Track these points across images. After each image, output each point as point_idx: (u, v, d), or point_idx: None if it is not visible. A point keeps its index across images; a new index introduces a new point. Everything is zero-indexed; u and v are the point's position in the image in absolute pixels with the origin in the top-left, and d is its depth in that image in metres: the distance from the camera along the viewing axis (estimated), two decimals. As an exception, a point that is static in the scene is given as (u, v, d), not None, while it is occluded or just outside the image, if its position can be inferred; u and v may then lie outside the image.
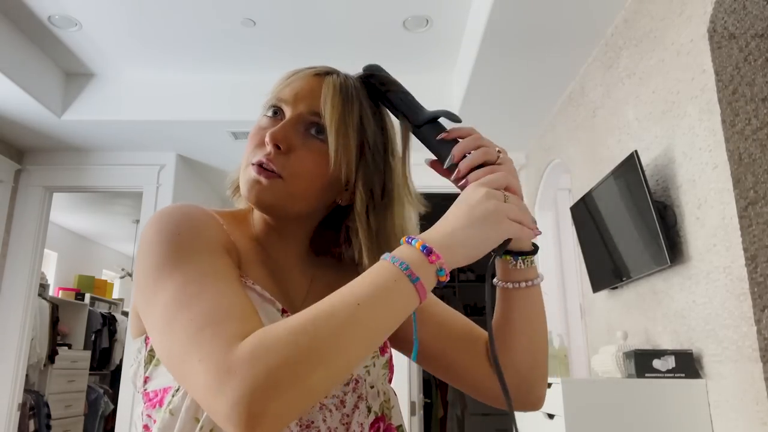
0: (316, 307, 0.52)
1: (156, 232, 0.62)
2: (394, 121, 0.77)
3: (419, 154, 0.75)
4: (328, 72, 0.73)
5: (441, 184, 0.88)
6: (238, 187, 0.78)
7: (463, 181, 0.65)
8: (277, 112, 0.72)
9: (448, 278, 0.58)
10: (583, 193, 2.72)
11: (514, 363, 0.73)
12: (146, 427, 0.65)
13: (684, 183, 2.00)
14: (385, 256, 0.57)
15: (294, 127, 0.69)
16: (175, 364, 0.53)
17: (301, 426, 0.64)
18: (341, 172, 0.69)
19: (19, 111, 3.47)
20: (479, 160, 0.65)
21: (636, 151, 2.15)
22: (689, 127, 1.96)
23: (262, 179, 0.67)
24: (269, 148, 0.68)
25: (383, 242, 0.71)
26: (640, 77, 2.31)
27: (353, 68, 0.78)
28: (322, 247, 0.80)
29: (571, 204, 2.95)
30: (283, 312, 0.67)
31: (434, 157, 0.70)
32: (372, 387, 0.71)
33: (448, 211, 0.62)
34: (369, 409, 0.69)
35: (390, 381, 0.77)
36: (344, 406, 0.67)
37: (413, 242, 0.58)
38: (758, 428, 1.62)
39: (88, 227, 6.69)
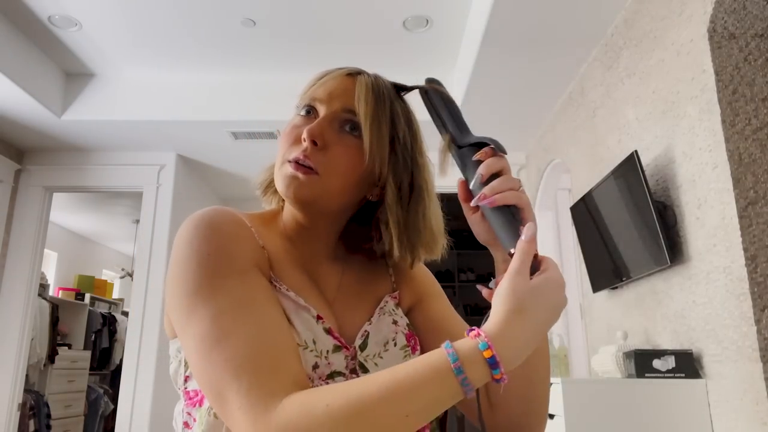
0: (363, 393, 0.52)
1: (187, 252, 0.63)
2: (420, 121, 0.79)
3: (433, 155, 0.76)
4: (359, 72, 0.76)
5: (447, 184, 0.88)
6: (267, 187, 0.81)
7: (485, 201, 0.63)
8: (310, 111, 0.74)
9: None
10: (583, 193, 2.72)
11: (506, 406, 0.72)
12: (186, 424, 0.68)
13: (684, 183, 2.00)
14: (450, 354, 0.53)
15: (330, 123, 0.71)
16: (212, 397, 0.56)
17: None
18: (375, 166, 0.72)
19: (19, 111, 3.47)
20: (503, 188, 0.63)
21: (636, 151, 2.15)
22: (689, 127, 1.96)
23: (300, 175, 0.68)
24: (306, 144, 0.69)
25: (412, 234, 0.73)
26: (640, 77, 2.31)
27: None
28: (352, 243, 0.82)
29: (571, 204, 2.95)
30: (318, 318, 0.67)
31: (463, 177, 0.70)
32: None
33: (528, 302, 0.56)
34: None
35: None
36: None
37: (494, 367, 0.53)
38: (758, 428, 1.62)
39: (88, 227, 6.69)
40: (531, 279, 0.58)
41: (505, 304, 0.56)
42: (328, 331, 0.67)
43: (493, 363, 0.53)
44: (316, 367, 0.64)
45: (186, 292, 0.60)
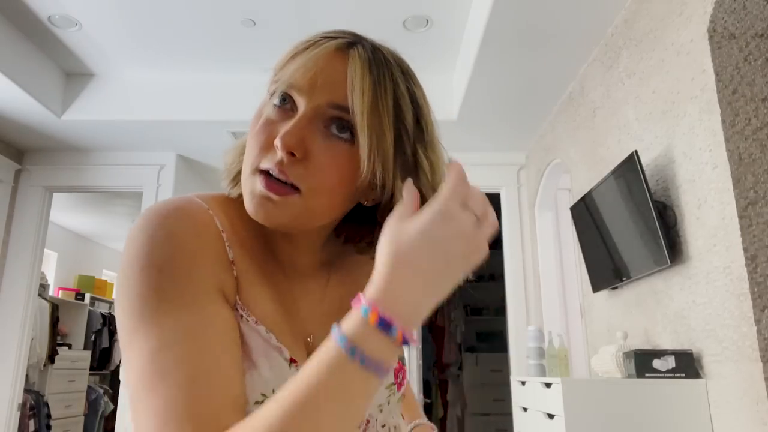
0: (266, 423, 0.42)
1: (137, 263, 0.50)
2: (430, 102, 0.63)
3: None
4: (351, 43, 0.58)
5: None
6: (235, 177, 0.64)
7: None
8: (286, 99, 0.57)
9: None
10: (583, 193, 2.72)
11: None
12: None
13: (684, 183, 2.00)
14: (338, 338, 0.44)
15: (311, 124, 0.55)
16: None
17: None
18: (376, 176, 0.56)
19: (19, 111, 3.47)
20: None
21: (636, 151, 2.15)
22: (689, 127, 1.96)
23: (273, 196, 0.54)
24: (281, 154, 0.54)
25: None
26: (640, 77, 2.31)
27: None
28: (344, 236, 0.70)
29: (571, 204, 2.95)
30: (291, 362, 0.56)
31: None
32: (383, 426, 0.64)
33: (406, 247, 0.45)
34: None
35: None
36: None
37: (387, 329, 0.44)
38: (758, 428, 1.62)
39: (88, 227, 6.69)
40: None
41: (381, 257, 0.46)
42: None
43: (383, 325, 0.43)
44: None
45: (128, 313, 0.49)
